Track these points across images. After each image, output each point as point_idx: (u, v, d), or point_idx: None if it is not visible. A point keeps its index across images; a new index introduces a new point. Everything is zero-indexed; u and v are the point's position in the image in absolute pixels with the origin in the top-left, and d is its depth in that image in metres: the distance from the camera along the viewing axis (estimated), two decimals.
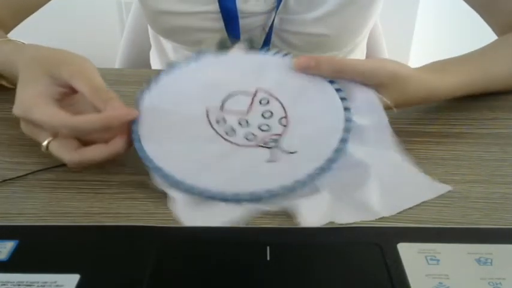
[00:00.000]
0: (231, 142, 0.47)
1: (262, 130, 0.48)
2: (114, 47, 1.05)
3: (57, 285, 0.36)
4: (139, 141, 0.47)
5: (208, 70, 0.52)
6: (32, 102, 0.46)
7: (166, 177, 0.45)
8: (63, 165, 0.49)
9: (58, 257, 0.39)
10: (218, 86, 0.50)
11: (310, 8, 0.70)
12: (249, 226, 0.43)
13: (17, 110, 0.48)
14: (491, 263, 0.38)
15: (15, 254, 0.39)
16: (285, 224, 0.43)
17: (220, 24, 0.70)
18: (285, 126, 0.48)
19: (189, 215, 0.44)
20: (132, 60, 0.99)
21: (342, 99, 0.49)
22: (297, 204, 0.44)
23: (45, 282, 0.36)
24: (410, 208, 0.44)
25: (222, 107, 0.49)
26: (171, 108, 0.49)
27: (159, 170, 0.45)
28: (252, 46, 0.55)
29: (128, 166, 0.49)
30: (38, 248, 0.40)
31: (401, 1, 1.65)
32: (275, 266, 0.38)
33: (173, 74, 0.51)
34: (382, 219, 0.43)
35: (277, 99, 0.49)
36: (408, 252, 0.39)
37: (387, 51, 1.00)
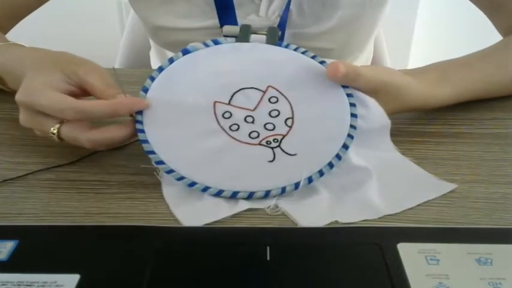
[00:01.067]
0: (234, 138, 0.47)
1: (267, 129, 0.48)
2: (114, 47, 1.05)
3: (57, 285, 0.36)
4: (142, 123, 0.47)
5: (222, 60, 0.51)
6: (39, 88, 0.46)
7: (162, 164, 0.46)
8: (63, 165, 0.49)
9: (58, 257, 0.39)
10: (230, 78, 0.50)
11: (315, 22, 0.68)
12: (249, 226, 0.43)
13: (21, 96, 0.47)
14: (491, 263, 0.38)
15: (15, 254, 0.39)
16: (285, 224, 0.43)
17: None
18: (290, 127, 0.48)
19: (181, 209, 0.44)
20: (132, 60, 0.99)
21: (351, 104, 0.49)
22: (295, 206, 0.45)
23: (45, 282, 0.36)
24: (410, 208, 0.44)
25: (230, 101, 0.49)
26: (178, 97, 0.49)
27: (155, 156, 0.46)
28: (272, 37, 0.54)
29: (128, 166, 0.49)
30: (38, 248, 0.40)
31: (401, 1, 1.65)
32: (275, 266, 0.38)
33: (186, 60, 0.51)
34: (382, 219, 0.43)
35: (286, 98, 0.49)
36: (408, 252, 0.39)
37: (387, 52, 1.00)
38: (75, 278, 0.36)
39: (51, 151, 0.51)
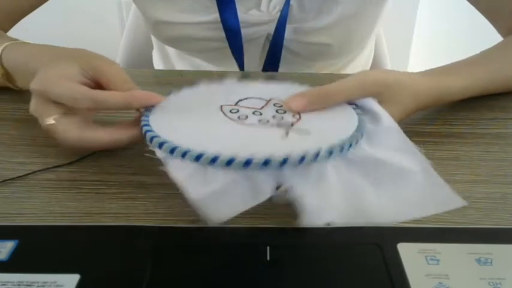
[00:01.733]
0: (243, 124, 0.47)
1: (276, 118, 0.48)
2: (114, 47, 1.05)
3: (57, 285, 0.36)
4: (148, 116, 0.47)
5: (223, 86, 0.54)
6: (55, 78, 0.47)
7: (164, 144, 0.43)
8: (63, 165, 0.49)
9: (58, 257, 0.39)
10: (234, 92, 0.52)
11: (314, 17, 0.69)
12: (249, 226, 0.43)
13: (36, 84, 0.47)
14: (491, 263, 0.38)
15: (15, 254, 0.39)
16: (285, 224, 0.43)
17: (222, 34, 0.70)
18: (298, 119, 0.48)
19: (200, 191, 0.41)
20: (132, 60, 0.99)
21: (355, 109, 0.49)
22: (304, 198, 0.42)
23: (45, 282, 0.36)
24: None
25: (236, 104, 0.50)
26: (185, 103, 0.50)
27: (158, 138, 0.43)
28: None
29: (128, 166, 0.49)
30: (38, 248, 0.40)
31: (402, 1, 1.65)
32: (275, 266, 0.38)
33: (187, 90, 0.53)
34: None
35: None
36: (408, 252, 0.39)
37: (387, 52, 1.00)
38: (75, 278, 0.36)
39: (51, 151, 0.51)
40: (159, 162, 0.49)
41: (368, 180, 0.45)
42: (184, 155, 0.42)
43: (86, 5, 1.73)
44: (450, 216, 0.44)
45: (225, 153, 0.40)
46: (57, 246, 0.40)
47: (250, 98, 0.51)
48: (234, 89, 0.53)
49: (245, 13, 0.68)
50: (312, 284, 0.37)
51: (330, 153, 0.42)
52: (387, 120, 0.48)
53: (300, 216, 0.42)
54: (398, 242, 0.40)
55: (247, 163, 0.40)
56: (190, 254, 0.39)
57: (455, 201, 0.44)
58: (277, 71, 0.74)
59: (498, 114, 0.59)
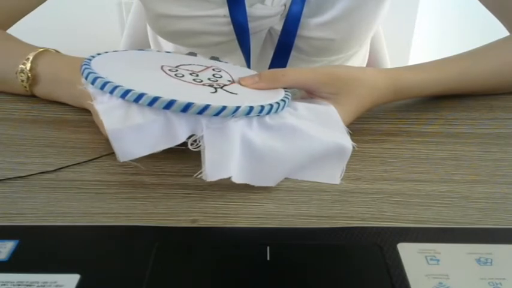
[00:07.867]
0: (178, 79, 0.48)
1: (210, 80, 0.50)
2: (114, 47, 1.05)
3: (57, 285, 0.36)
4: (90, 59, 0.49)
5: (173, 55, 0.57)
6: None
7: (103, 84, 0.44)
8: (66, 166, 0.49)
9: (58, 257, 0.39)
10: (179, 60, 0.54)
11: (318, 12, 0.70)
12: (249, 226, 0.43)
13: None
14: (491, 263, 0.38)
15: (15, 254, 0.39)
16: (285, 224, 0.43)
17: (226, 28, 0.70)
18: (232, 82, 0.50)
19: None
20: None
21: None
22: (208, 150, 0.43)
23: (45, 282, 0.36)
24: (410, 208, 0.44)
25: (177, 67, 0.51)
26: (128, 57, 0.54)
27: (98, 77, 0.45)
28: None
29: (128, 166, 0.49)
30: (38, 248, 0.40)
31: (402, 1, 1.66)
32: (275, 266, 0.38)
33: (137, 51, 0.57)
34: (382, 219, 0.43)
35: (228, 73, 0.52)
36: (408, 252, 0.39)
37: (387, 51, 1.00)
38: (75, 278, 0.36)
39: (51, 151, 0.51)
40: (159, 162, 0.49)
41: (281, 143, 0.46)
42: (113, 90, 0.43)
43: (86, 5, 1.73)
44: (450, 216, 0.44)
45: (151, 93, 0.42)
46: (57, 246, 0.40)
47: (191, 64, 0.53)
48: (179, 57, 0.56)
49: (249, 7, 0.69)
50: (312, 284, 0.37)
51: (250, 110, 0.44)
52: (326, 106, 0.51)
53: (202, 167, 0.43)
54: (398, 242, 0.40)
55: (170, 104, 0.42)
56: (190, 254, 0.39)
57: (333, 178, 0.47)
58: None
59: (498, 114, 0.59)
